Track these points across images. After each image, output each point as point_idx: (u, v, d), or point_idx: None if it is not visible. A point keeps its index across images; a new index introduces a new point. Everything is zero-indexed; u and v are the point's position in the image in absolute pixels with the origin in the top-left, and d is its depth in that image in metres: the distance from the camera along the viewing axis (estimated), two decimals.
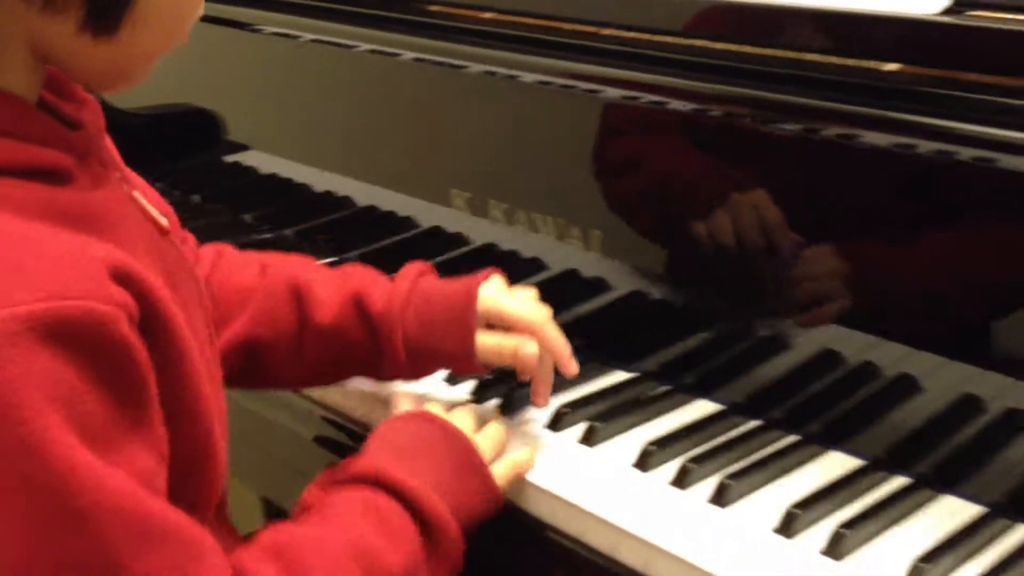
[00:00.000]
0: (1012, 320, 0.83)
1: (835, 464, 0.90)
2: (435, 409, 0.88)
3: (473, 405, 0.94)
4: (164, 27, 0.67)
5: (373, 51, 1.29)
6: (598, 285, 1.13)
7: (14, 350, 0.54)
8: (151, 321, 0.63)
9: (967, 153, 0.82)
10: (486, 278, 0.93)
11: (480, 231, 1.23)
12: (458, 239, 1.27)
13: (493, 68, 1.16)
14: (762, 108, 0.94)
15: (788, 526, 0.80)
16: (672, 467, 0.88)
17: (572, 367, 0.92)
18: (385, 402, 0.96)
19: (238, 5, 1.44)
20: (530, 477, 0.87)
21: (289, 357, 0.91)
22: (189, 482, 0.68)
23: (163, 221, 0.76)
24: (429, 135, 1.28)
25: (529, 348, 0.89)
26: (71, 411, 0.56)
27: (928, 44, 0.86)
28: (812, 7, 0.92)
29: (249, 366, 0.92)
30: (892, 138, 0.86)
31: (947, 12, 0.84)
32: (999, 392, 0.83)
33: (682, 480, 0.86)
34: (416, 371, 0.94)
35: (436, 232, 1.29)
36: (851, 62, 0.89)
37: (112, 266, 0.60)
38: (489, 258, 1.23)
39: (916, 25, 0.85)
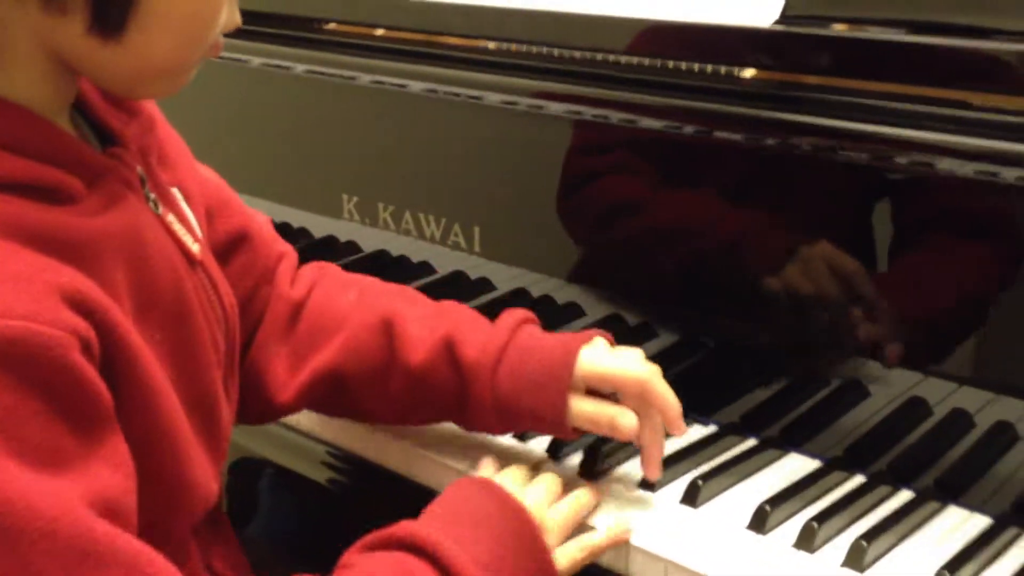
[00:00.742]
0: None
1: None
2: (512, 476, 0.82)
3: (552, 475, 0.84)
4: (174, 29, 0.65)
5: (265, 64, 1.34)
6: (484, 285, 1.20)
7: None
8: (111, 350, 0.61)
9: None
10: (588, 340, 0.86)
11: (371, 238, 1.29)
12: (350, 247, 1.32)
13: (382, 78, 1.22)
14: (632, 110, 1.03)
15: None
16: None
17: (681, 427, 0.84)
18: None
19: None
20: None
21: (374, 392, 0.87)
22: (158, 504, 0.67)
23: (194, 248, 0.75)
24: (321, 147, 1.34)
25: (627, 420, 0.82)
26: (5, 433, 0.55)
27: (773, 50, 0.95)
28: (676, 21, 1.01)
29: (334, 395, 0.88)
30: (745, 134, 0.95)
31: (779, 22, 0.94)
32: (944, 395, 0.90)
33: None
34: (504, 427, 0.87)
35: (330, 241, 1.34)
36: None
37: (69, 292, 0.59)
38: (381, 263, 1.29)
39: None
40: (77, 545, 0.55)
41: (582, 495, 0.82)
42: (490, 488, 0.76)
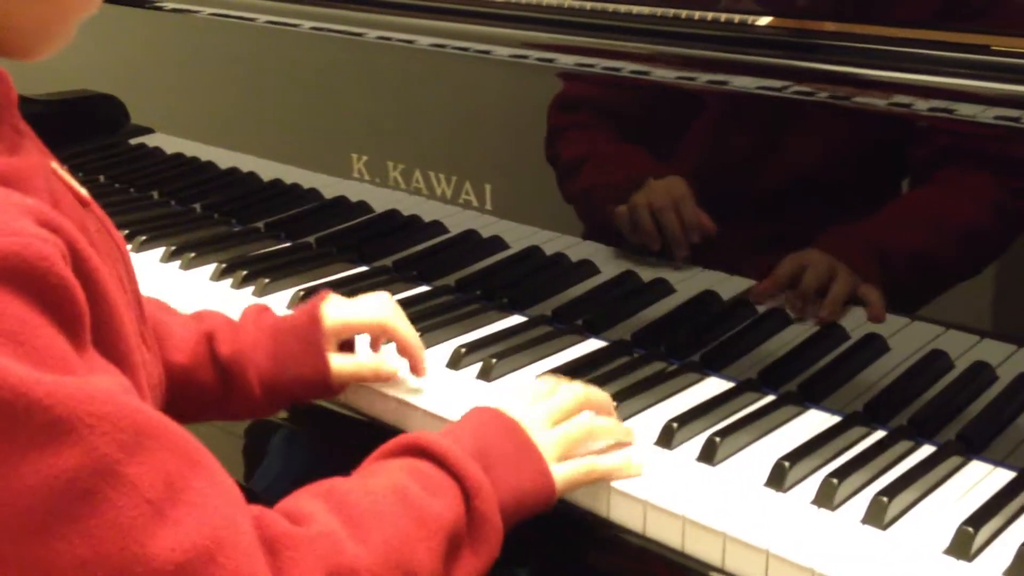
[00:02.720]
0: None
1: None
2: (522, 397, 0.84)
3: (561, 396, 0.84)
4: None
5: (272, 23, 1.32)
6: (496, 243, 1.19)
7: None
8: (78, 272, 0.61)
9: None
10: (324, 298, 0.95)
11: (381, 197, 1.27)
12: (361, 207, 1.31)
13: (388, 34, 1.20)
14: (645, 60, 1.01)
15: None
16: None
17: (421, 370, 0.95)
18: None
19: None
20: None
21: None
22: None
23: (84, 192, 0.76)
24: (329, 106, 1.32)
25: (388, 368, 0.94)
26: (21, 345, 0.55)
27: None
28: None
29: None
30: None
31: None
32: (965, 348, 0.89)
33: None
34: (272, 407, 0.94)
35: (340, 202, 1.33)
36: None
37: (36, 213, 0.59)
38: (392, 223, 1.27)
39: None
40: (130, 426, 0.57)
41: (586, 419, 0.83)
42: (490, 409, 0.81)
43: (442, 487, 0.71)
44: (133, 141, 1.59)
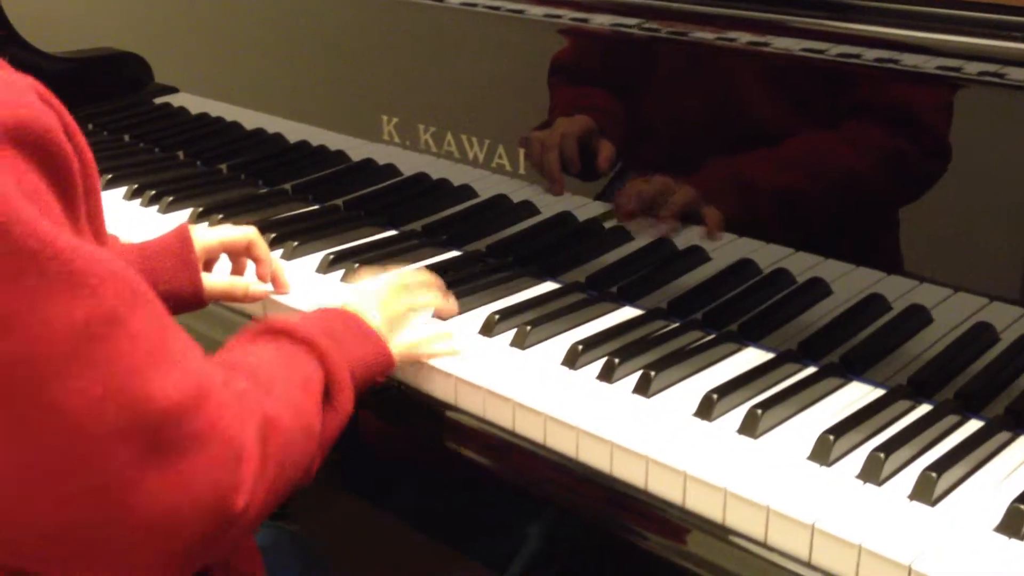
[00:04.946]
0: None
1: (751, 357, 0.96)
2: (362, 287, 0.98)
3: (388, 282, 0.98)
4: None
5: None
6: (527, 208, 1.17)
7: None
8: (74, 142, 0.65)
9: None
10: (187, 225, 1.02)
11: (410, 161, 1.25)
12: (389, 170, 1.29)
13: None
14: (683, 19, 0.99)
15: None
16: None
17: (284, 287, 1.07)
18: None
19: None
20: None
21: None
22: None
23: None
24: (359, 67, 1.30)
25: (259, 287, 1.05)
26: (40, 205, 0.60)
27: None
28: None
29: None
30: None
31: None
32: (1011, 320, 0.88)
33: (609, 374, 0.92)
34: None
35: (367, 164, 1.31)
36: None
37: (38, 91, 0.64)
38: (421, 187, 1.26)
39: None
40: (128, 285, 0.63)
41: (405, 304, 0.96)
42: (331, 307, 0.93)
43: (303, 357, 0.82)
44: (158, 100, 1.57)
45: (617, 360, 0.93)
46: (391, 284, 0.97)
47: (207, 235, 1.04)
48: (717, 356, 0.96)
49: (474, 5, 1.13)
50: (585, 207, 1.13)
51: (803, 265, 0.98)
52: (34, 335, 0.59)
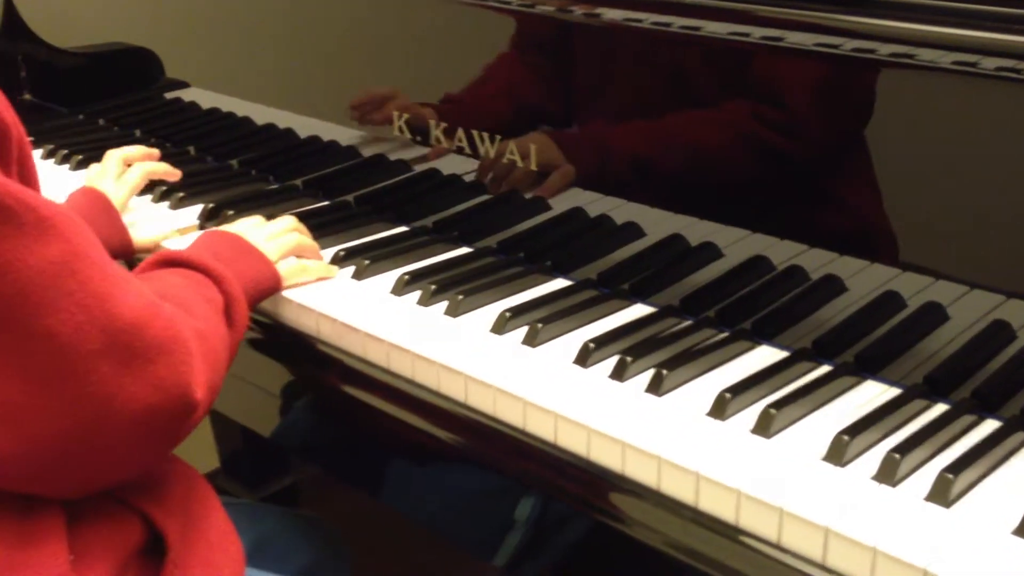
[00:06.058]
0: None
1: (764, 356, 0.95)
2: (248, 223, 1.12)
3: (275, 222, 1.13)
4: None
5: None
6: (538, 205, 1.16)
7: None
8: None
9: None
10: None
11: (421, 156, 1.25)
12: (399, 165, 1.28)
13: None
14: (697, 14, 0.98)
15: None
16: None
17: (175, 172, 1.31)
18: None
19: None
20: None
21: None
22: None
23: None
24: (367, 62, 1.29)
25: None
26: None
27: None
28: None
29: None
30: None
31: None
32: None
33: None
34: None
35: (379, 159, 1.30)
36: None
37: None
38: (431, 183, 1.25)
39: None
40: (82, 226, 0.73)
41: (294, 236, 1.11)
42: (216, 231, 1.07)
43: (203, 281, 0.92)
44: (169, 95, 1.57)
45: (629, 358, 0.92)
46: (281, 223, 1.12)
47: (118, 193, 1.23)
48: (730, 354, 0.95)
49: (485, 1, 1.12)
50: (597, 202, 1.12)
51: (817, 262, 0.97)
52: (23, 276, 0.68)
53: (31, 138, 1.53)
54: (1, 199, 0.67)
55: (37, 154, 1.50)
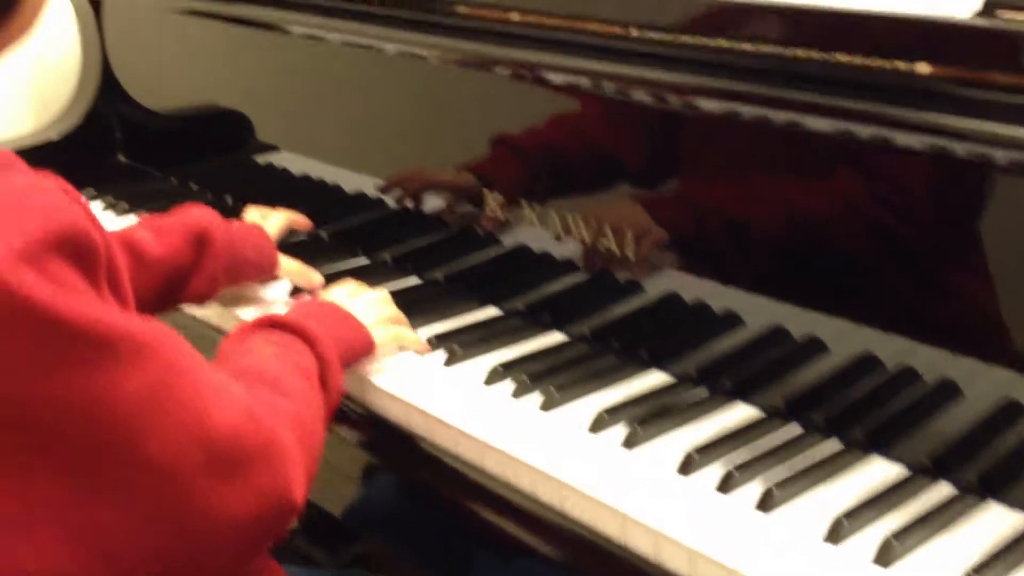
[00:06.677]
0: None
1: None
2: (341, 289, 1.13)
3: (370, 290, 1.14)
4: (36, 12, 0.76)
5: (401, 53, 1.27)
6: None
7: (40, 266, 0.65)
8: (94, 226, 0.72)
9: (1002, 155, 0.81)
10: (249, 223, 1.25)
11: (512, 232, 1.22)
12: (490, 239, 1.26)
13: (520, 70, 1.15)
14: (791, 107, 0.94)
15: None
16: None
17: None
18: None
19: (265, 6, 1.42)
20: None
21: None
22: None
23: None
24: (458, 137, 1.27)
25: (319, 276, 1.26)
26: (88, 295, 0.68)
27: (962, 46, 0.85)
28: (842, 8, 0.90)
29: None
30: (926, 139, 0.85)
31: (980, 14, 0.83)
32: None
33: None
34: (230, 278, 1.17)
35: (469, 232, 1.28)
36: (882, 63, 0.87)
37: (59, 184, 0.70)
38: (521, 260, 1.22)
39: (950, 28, 0.84)
40: (172, 337, 0.72)
41: (392, 311, 1.11)
42: (318, 299, 1.09)
43: (296, 345, 0.92)
44: (259, 159, 1.57)
45: (737, 473, 0.88)
46: (372, 294, 1.12)
47: (274, 222, 1.28)
48: (842, 467, 0.91)
49: (577, 88, 1.10)
50: (692, 286, 1.08)
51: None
52: (123, 405, 0.67)
53: (124, 202, 1.56)
54: (98, 332, 0.66)
55: (131, 219, 1.51)
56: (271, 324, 0.95)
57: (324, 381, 0.91)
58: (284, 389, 0.84)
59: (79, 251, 0.68)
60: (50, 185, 0.69)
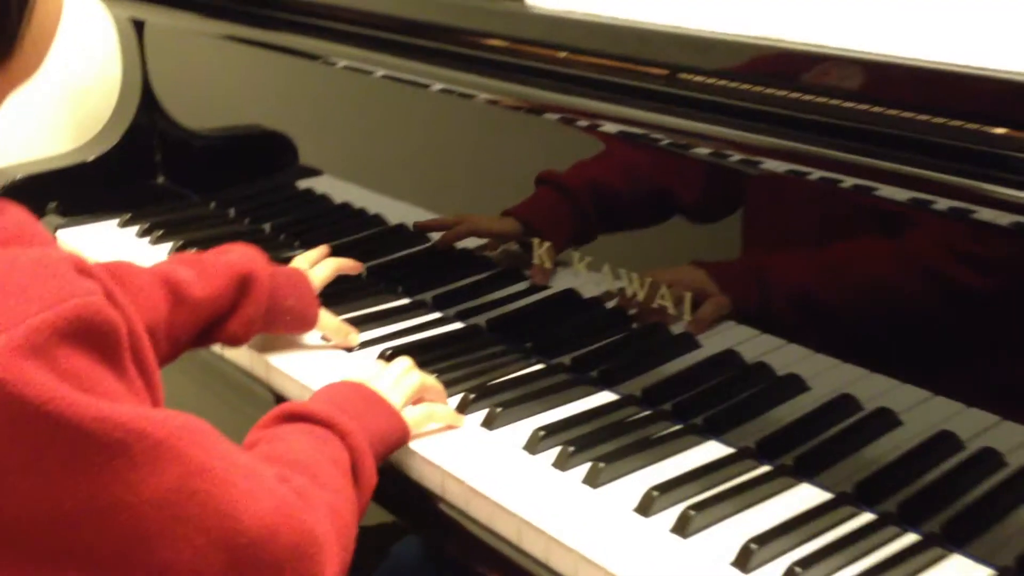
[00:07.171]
0: None
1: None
2: (369, 370, 1.04)
3: (398, 366, 1.04)
4: (42, 48, 0.71)
5: (444, 90, 1.21)
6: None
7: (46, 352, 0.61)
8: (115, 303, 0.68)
9: None
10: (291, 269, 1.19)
11: (558, 282, 1.15)
12: (535, 286, 1.18)
13: (568, 114, 1.07)
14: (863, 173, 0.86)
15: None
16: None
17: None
18: None
19: (316, 38, 1.36)
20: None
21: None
22: None
23: None
24: (500, 174, 1.20)
25: (356, 336, 1.19)
26: (106, 390, 0.64)
27: None
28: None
29: None
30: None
31: None
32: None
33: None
34: (268, 325, 1.12)
35: (513, 271, 1.21)
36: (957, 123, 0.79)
37: (75, 263, 0.65)
38: (568, 305, 1.15)
39: None
40: (198, 432, 0.68)
41: (417, 377, 1.03)
42: (340, 381, 0.99)
43: (327, 438, 0.86)
44: (301, 183, 1.51)
45: (799, 569, 0.80)
46: (401, 365, 1.04)
47: (318, 272, 1.21)
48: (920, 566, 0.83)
49: (636, 135, 1.02)
50: (751, 341, 1.00)
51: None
52: (138, 513, 0.63)
53: (161, 229, 1.51)
54: (106, 432, 0.62)
55: (166, 247, 1.46)
56: (297, 415, 0.89)
57: (356, 475, 0.86)
58: (317, 476, 0.80)
59: (94, 335, 0.63)
60: (60, 262, 0.65)
